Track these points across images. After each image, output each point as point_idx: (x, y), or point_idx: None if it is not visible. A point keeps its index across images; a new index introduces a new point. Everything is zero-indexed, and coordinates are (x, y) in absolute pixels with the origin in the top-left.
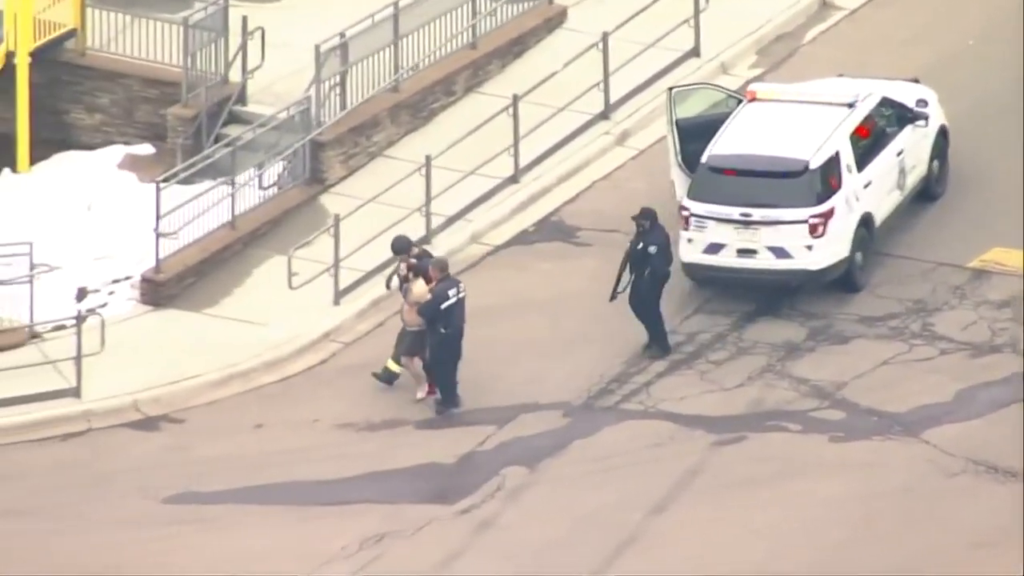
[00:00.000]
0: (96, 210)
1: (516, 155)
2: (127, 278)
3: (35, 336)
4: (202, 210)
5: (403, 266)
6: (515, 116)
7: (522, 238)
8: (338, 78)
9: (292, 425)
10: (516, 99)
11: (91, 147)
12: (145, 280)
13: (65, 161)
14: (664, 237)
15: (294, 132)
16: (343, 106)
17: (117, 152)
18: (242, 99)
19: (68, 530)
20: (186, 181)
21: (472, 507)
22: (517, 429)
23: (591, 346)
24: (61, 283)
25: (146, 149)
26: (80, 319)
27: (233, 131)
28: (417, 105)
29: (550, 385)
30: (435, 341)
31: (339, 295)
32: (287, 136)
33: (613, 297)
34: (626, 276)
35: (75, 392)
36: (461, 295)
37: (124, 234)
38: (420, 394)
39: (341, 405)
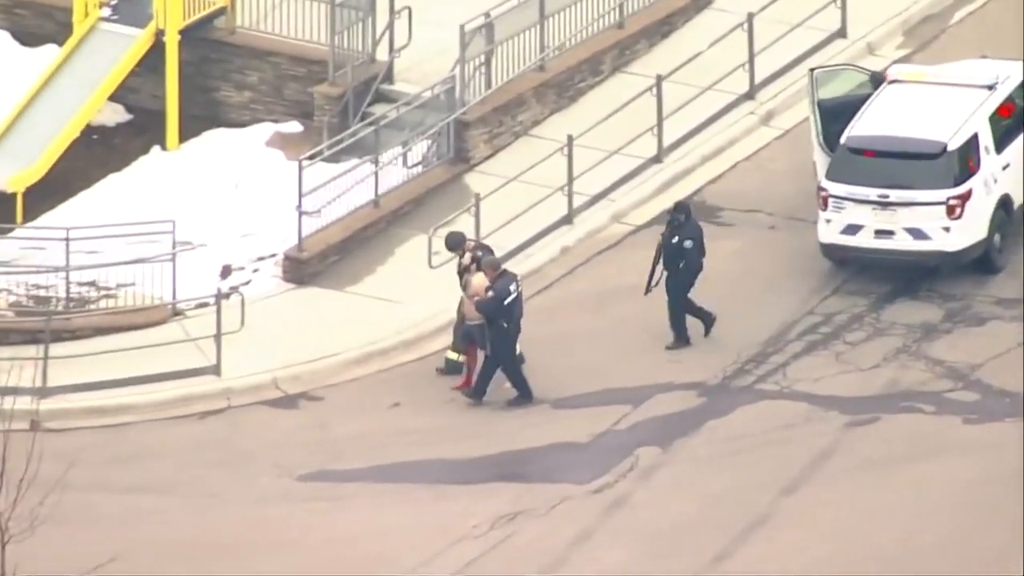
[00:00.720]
0: (243, 188)
1: (660, 135)
2: (271, 256)
3: (177, 314)
4: (346, 188)
5: (467, 257)
6: (658, 96)
7: (664, 218)
8: (483, 58)
9: (428, 404)
10: (660, 79)
11: (240, 125)
12: (288, 258)
13: (214, 139)
14: (698, 231)
15: (439, 111)
16: (488, 85)
17: (265, 130)
18: (389, 78)
19: (204, 507)
20: (331, 159)
21: (605, 487)
22: (652, 409)
23: (729, 326)
24: (206, 261)
25: (294, 127)
26: (219, 297)
27: (380, 110)
28: (563, 84)
29: (687, 365)
30: (498, 337)
31: None
32: (432, 115)
33: (648, 291)
34: (659, 270)
35: (215, 370)
36: (520, 290)
37: (270, 212)
38: (457, 383)
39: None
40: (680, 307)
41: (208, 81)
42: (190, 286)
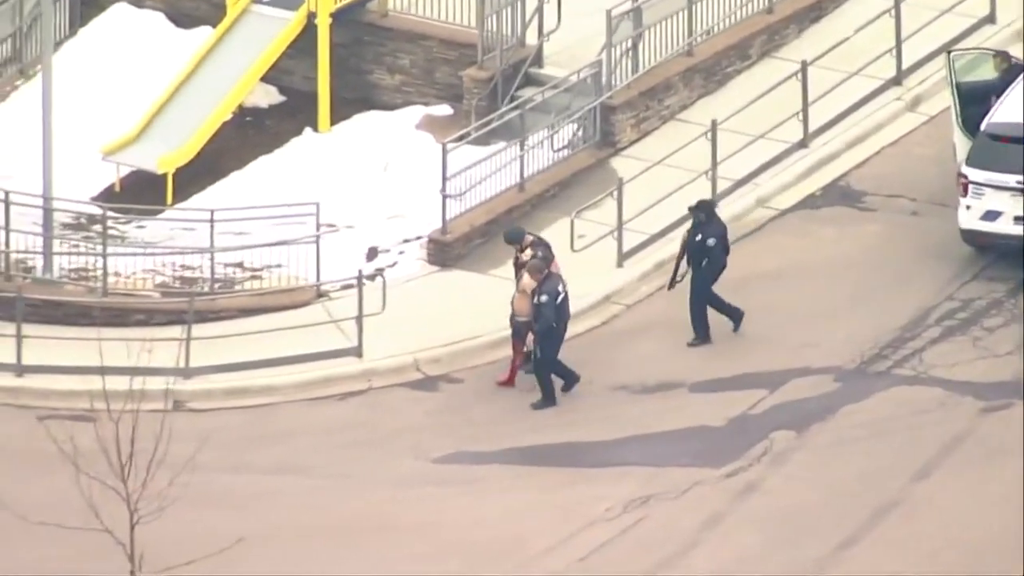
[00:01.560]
0: (392, 170)
1: (805, 120)
2: (417, 238)
3: (321, 295)
4: (491, 172)
5: (526, 253)
6: (803, 82)
7: (808, 203)
8: (631, 42)
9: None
10: (804, 65)
11: (392, 107)
12: (432, 241)
13: (365, 121)
14: (722, 228)
15: (586, 95)
16: (635, 70)
17: (416, 113)
18: (538, 61)
19: (340, 488)
20: (480, 143)
21: (738, 471)
22: (789, 393)
23: (868, 311)
24: (354, 242)
25: (444, 110)
26: (361, 279)
27: (528, 94)
28: (711, 69)
29: (824, 350)
30: (547, 338)
31: (622, 257)
32: (579, 99)
33: (671, 286)
34: (683, 267)
35: (357, 352)
36: (567, 291)
37: (417, 194)
38: (500, 378)
39: (617, 367)
40: (701, 305)
41: (361, 64)
42: (337, 268)
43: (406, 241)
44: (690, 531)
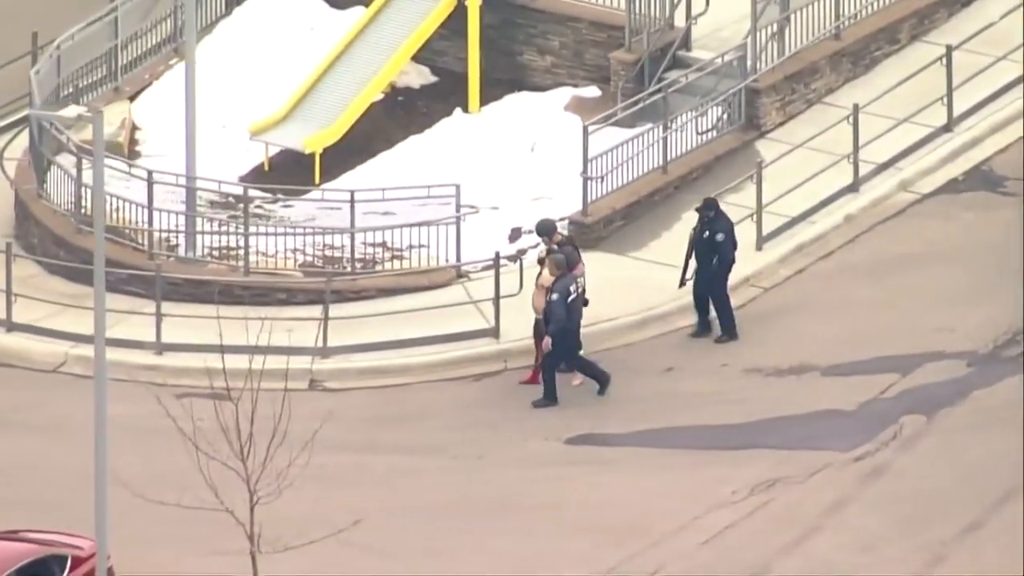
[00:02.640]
0: (539, 151)
1: (949, 104)
2: (561, 219)
3: (461, 276)
4: (634, 154)
5: (546, 248)
6: (948, 66)
7: (950, 187)
8: (777, 26)
9: (701, 369)
10: (949, 49)
11: (542, 88)
12: (573, 223)
13: (514, 102)
14: (729, 224)
15: (732, 78)
16: (781, 53)
17: (565, 94)
18: (686, 44)
19: (470, 468)
20: (625, 124)
21: (866, 454)
22: (920, 377)
23: (1004, 296)
24: (497, 223)
25: (592, 92)
26: (498, 260)
27: (675, 76)
28: (858, 53)
29: (959, 334)
30: (558, 335)
31: (762, 240)
32: (725, 82)
33: (682, 284)
34: (692, 264)
35: (494, 332)
36: (581, 290)
37: (563, 176)
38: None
39: (753, 350)
40: (723, 300)
41: (512, 45)
42: (480, 248)
43: None
44: (814, 515)
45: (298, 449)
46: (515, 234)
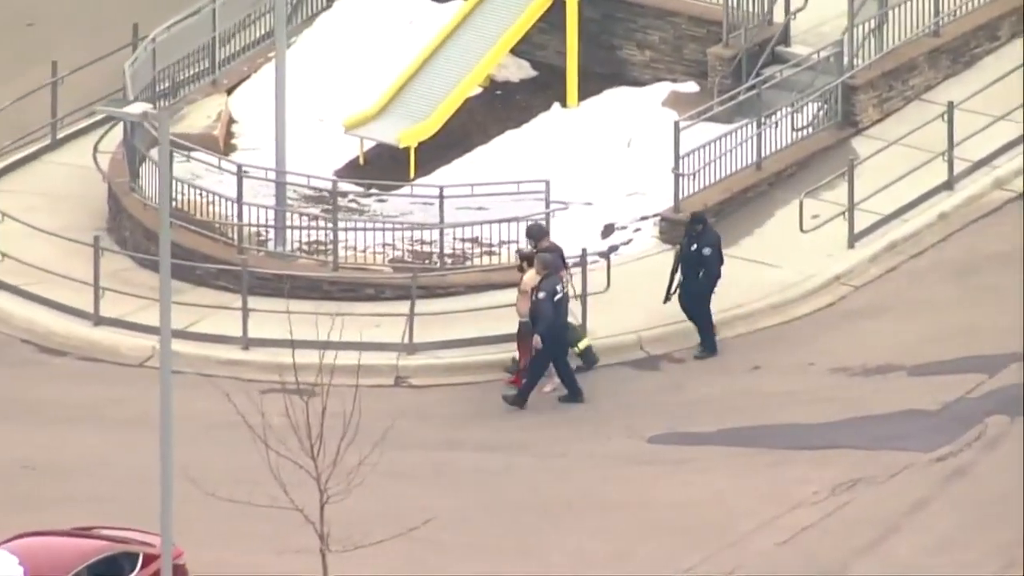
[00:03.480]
0: (635, 146)
1: None
2: (654, 216)
3: None
4: (727, 150)
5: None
6: None
7: None
8: (875, 22)
9: (787, 368)
10: None
11: (641, 83)
12: (664, 219)
13: (613, 97)
14: (716, 238)
15: (830, 74)
16: (879, 49)
17: (663, 89)
18: (786, 40)
19: (551, 467)
20: (724, 120)
21: (948, 455)
22: (1008, 377)
23: None
24: (591, 218)
25: (690, 87)
26: (585, 257)
27: (771, 72)
28: (958, 50)
29: None
30: (550, 337)
31: (854, 238)
32: (822, 78)
33: (667, 299)
34: (677, 278)
35: (581, 329)
36: (566, 290)
37: (658, 171)
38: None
39: (840, 349)
40: (705, 315)
41: (612, 39)
42: (573, 244)
43: (643, 218)
44: (893, 516)
45: (377, 445)
46: (608, 230)
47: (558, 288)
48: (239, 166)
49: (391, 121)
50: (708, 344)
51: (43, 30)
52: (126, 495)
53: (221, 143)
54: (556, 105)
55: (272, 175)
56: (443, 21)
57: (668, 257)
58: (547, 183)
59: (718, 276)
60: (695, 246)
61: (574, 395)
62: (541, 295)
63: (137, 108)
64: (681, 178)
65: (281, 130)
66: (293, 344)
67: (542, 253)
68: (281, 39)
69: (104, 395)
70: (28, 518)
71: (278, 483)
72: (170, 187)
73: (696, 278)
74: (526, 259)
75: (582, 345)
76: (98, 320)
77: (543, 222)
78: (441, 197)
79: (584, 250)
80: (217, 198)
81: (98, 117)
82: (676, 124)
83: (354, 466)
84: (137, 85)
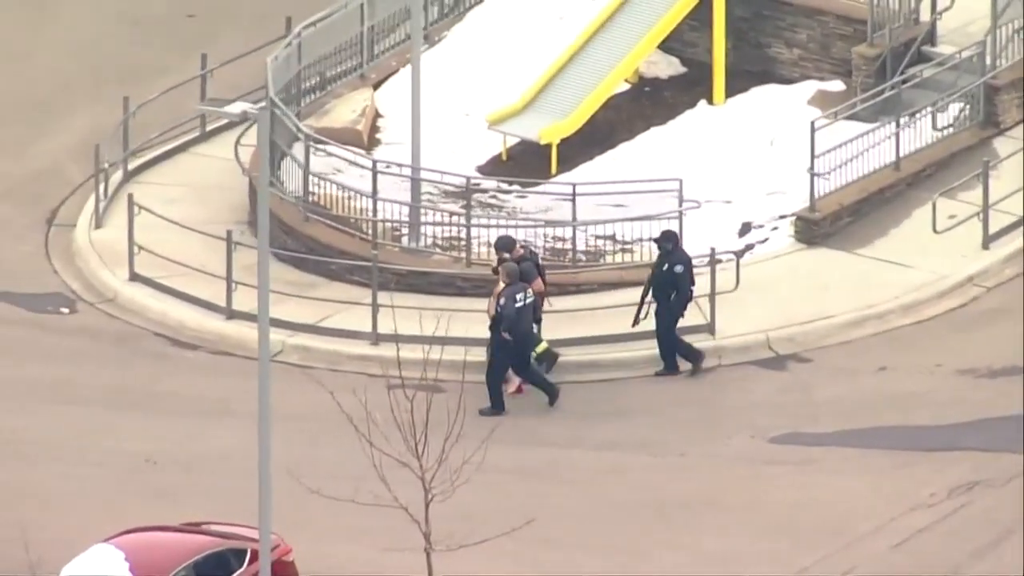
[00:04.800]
0: (778, 145)
1: None
2: (793, 215)
3: None
4: (865, 149)
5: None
6: None
7: None
8: (1019, 22)
9: (914, 369)
10: None
11: (788, 81)
12: (800, 218)
13: (759, 95)
14: (686, 256)
15: (972, 74)
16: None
17: (810, 88)
18: (931, 39)
19: (671, 466)
20: (868, 119)
21: None
22: None
23: None
24: (730, 216)
25: (836, 86)
26: (713, 256)
27: (914, 71)
28: None
29: None
30: (498, 343)
31: (988, 239)
32: (965, 78)
33: (636, 322)
34: (648, 299)
35: (709, 328)
36: (528, 300)
37: (799, 170)
38: (511, 388)
39: (969, 350)
40: (670, 335)
41: (760, 37)
42: (710, 242)
43: (781, 217)
44: (1010, 519)
45: (484, 443)
46: (745, 228)
47: (519, 296)
48: (374, 162)
49: (533, 117)
50: (669, 365)
51: (203, 22)
52: (246, 490)
53: (365, 137)
54: (703, 102)
55: (406, 171)
56: (592, 17)
57: (803, 257)
58: (680, 181)
59: (689, 297)
60: (667, 265)
61: (552, 395)
62: (503, 301)
63: (237, 107)
64: (817, 178)
65: (416, 126)
66: (397, 340)
67: (507, 263)
68: (417, 36)
69: (233, 389)
70: (146, 512)
71: (386, 480)
72: (305, 182)
73: (667, 299)
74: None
75: (539, 349)
76: (231, 314)
77: (508, 235)
78: (574, 195)
79: (712, 249)
80: (355, 193)
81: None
82: (812, 124)
83: (459, 464)
84: (280, 80)
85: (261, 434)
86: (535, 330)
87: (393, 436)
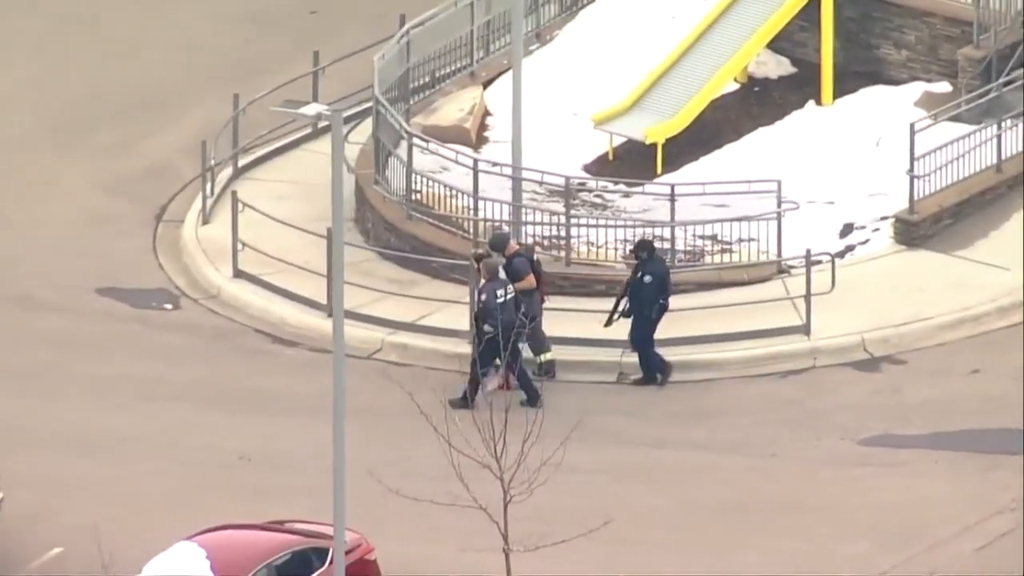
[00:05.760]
0: (883, 146)
1: None
2: (893, 216)
3: (782, 271)
4: (966, 151)
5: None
6: None
7: None
8: None
9: (1007, 373)
10: None
11: (896, 82)
12: (899, 220)
13: (868, 96)
14: (662, 268)
15: None
16: None
17: (917, 89)
18: None
19: (761, 467)
20: (971, 121)
21: None
22: None
23: None
24: (831, 217)
25: (943, 87)
26: (809, 257)
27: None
28: None
29: None
30: (480, 338)
31: None
32: None
33: (608, 323)
34: (623, 304)
35: (804, 330)
36: (509, 296)
37: (903, 172)
38: (490, 385)
39: None
40: (643, 345)
41: (869, 38)
42: (810, 242)
43: (883, 219)
44: None
45: (563, 444)
46: (846, 229)
47: (498, 292)
48: (475, 160)
49: (639, 117)
50: (647, 375)
51: (324, 18)
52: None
53: (473, 136)
54: (811, 103)
55: (507, 170)
56: (701, 16)
57: (901, 259)
58: (779, 182)
59: (662, 307)
60: (640, 274)
61: (532, 399)
62: (483, 296)
63: (312, 109)
64: (918, 179)
65: (517, 125)
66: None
67: (488, 259)
68: (517, 37)
69: (330, 387)
70: (236, 509)
71: (464, 479)
72: (408, 180)
73: (640, 308)
74: (478, 261)
75: (545, 357)
76: (331, 311)
77: (503, 231)
78: (672, 195)
79: (808, 250)
80: (457, 192)
81: (357, 108)
82: (911, 126)
83: (538, 465)
84: (388, 78)
85: (336, 432)
86: (541, 335)
87: (474, 437)
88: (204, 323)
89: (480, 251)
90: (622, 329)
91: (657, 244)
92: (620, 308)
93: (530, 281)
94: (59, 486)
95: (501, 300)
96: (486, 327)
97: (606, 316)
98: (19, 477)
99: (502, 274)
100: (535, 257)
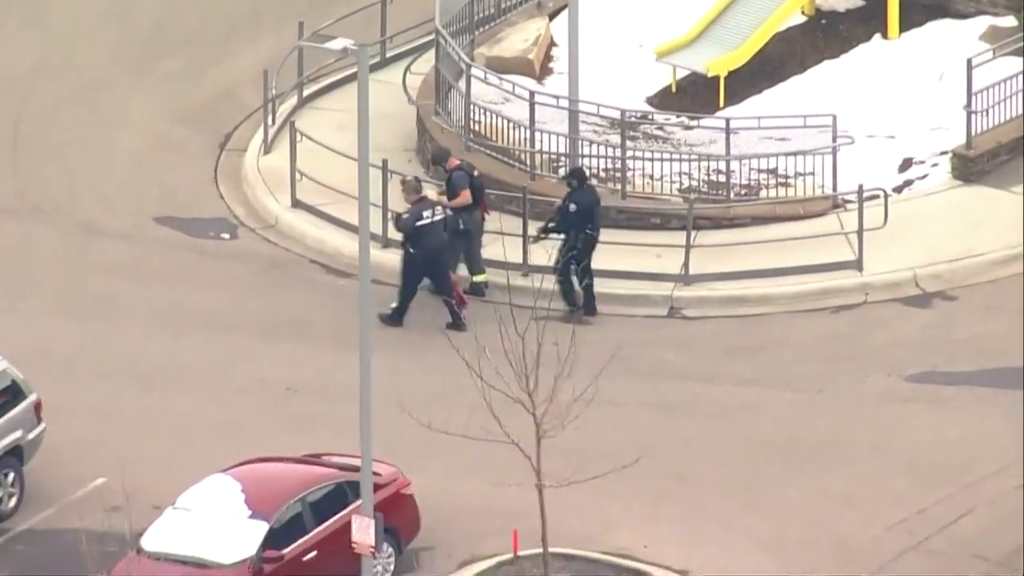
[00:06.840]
0: (946, 80)
1: None
2: (951, 151)
3: (838, 206)
4: None
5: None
6: None
7: None
8: None
9: None
10: None
11: (963, 16)
12: (956, 155)
13: (934, 29)
14: (590, 198)
15: None
16: None
17: (982, 23)
18: None
19: (808, 403)
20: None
21: None
22: None
23: None
24: (891, 152)
25: (1009, 22)
26: (861, 192)
27: None
28: None
29: None
30: (405, 259)
31: None
32: None
33: (535, 240)
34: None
35: (857, 265)
36: (436, 218)
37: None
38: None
39: None
40: (565, 273)
41: None
42: (872, 176)
43: (942, 153)
44: None
45: (596, 378)
46: (905, 164)
47: (425, 215)
48: (531, 92)
49: (701, 49)
50: (570, 302)
51: None
52: (380, 421)
53: (537, 67)
54: (877, 36)
55: (563, 103)
56: None
57: (957, 194)
58: (834, 117)
59: (588, 236)
60: (567, 202)
61: (457, 324)
62: (405, 216)
63: (338, 43)
64: (976, 115)
65: (574, 57)
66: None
67: (408, 180)
68: None
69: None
70: (281, 440)
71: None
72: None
73: (568, 235)
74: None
75: (478, 278)
76: (386, 242)
77: (444, 146)
78: (728, 129)
79: (860, 185)
80: (515, 124)
81: (428, 38)
82: (969, 62)
83: (574, 399)
84: (451, 9)
85: (362, 362)
86: (477, 255)
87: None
88: (261, 253)
89: (410, 178)
90: (672, 263)
91: (713, 177)
92: (547, 228)
93: (465, 196)
94: (108, 415)
95: (428, 220)
96: (409, 248)
97: (657, 249)
98: (69, 406)
99: (433, 196)
100: (475, 173)
